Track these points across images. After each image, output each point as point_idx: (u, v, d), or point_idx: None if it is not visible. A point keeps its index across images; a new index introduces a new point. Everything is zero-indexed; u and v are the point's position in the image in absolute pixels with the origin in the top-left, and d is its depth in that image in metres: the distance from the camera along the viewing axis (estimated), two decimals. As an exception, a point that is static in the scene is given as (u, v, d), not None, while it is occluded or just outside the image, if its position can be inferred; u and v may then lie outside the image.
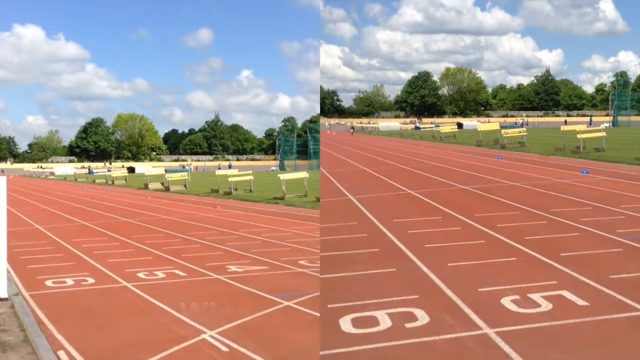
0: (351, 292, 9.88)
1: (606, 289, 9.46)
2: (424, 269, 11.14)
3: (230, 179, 41.08)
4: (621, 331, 7.85)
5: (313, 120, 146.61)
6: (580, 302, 8.92)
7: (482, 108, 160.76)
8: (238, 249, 17.13)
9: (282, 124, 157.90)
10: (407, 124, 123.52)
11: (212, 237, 19.77)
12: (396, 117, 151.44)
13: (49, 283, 12.97)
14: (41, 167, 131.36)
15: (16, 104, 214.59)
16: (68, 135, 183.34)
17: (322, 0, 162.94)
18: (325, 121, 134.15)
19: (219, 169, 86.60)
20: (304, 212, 26.91)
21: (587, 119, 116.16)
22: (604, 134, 39.14)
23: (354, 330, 8.15)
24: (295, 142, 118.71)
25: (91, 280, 13.23)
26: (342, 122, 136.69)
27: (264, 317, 10.05)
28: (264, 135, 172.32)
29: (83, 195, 46.75)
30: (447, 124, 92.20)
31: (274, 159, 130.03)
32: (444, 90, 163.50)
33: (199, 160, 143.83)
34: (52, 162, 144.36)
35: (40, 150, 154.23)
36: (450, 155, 41.25)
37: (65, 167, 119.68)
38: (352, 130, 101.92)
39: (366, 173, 31.05)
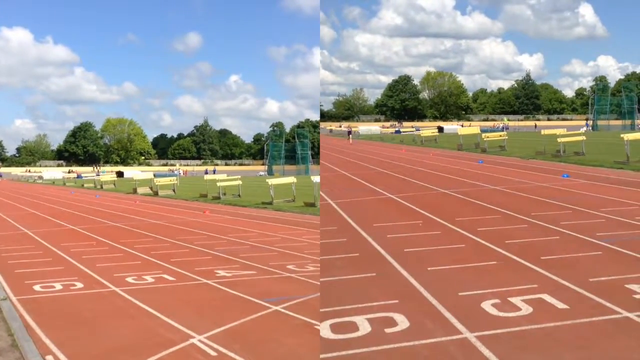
0: (330, 297, 9.80)
1: (586, 292, 9.45)
2: (404, 273, 11.08)
3: (218, 184, 41.04)
4: (601, 334, 7.83)
5: (301, 126, 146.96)
6: (561, 305, 8.91)
7: (463, 112, 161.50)
8: (227, 254, 17.11)
9: (271, 129, 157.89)
10: (387, 127, 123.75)
11: (200, 242, 19.71)
12: (376, 121, 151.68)
13: (37, 287, 12.88)
14: (29, 171, 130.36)
15: (4, 107, 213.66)
16: (56, 139, 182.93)
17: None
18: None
19: (206, 173, 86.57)
20: (292, 217, 26.92)
21: (565, 122, 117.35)
22: (584, 137, 39.37)
23: (332, 336, 8.07)
24: (283, 147, 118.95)
25: (80, 285, 13.17)
26: (322, 126, 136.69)
27: (253, 321, 10.03)
28: (253, 140, 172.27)
29: (71, 200, 46.50)
30: (427, 128, 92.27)
31: (262, 164, 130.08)
32: (425, 94, 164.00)
33: (187, 165, 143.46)
34: (40, 166, 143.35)
35: (29, 154, 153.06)
36: (431, 159, 41.33)
37: (54, 171, 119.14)
38: (349, 135, 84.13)
39: (346, 177, 30.99)
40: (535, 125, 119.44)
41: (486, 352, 7.33)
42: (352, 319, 8.61)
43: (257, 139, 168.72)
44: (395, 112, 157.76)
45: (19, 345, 8.93)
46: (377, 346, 7.66)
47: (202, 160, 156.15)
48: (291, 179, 36.01)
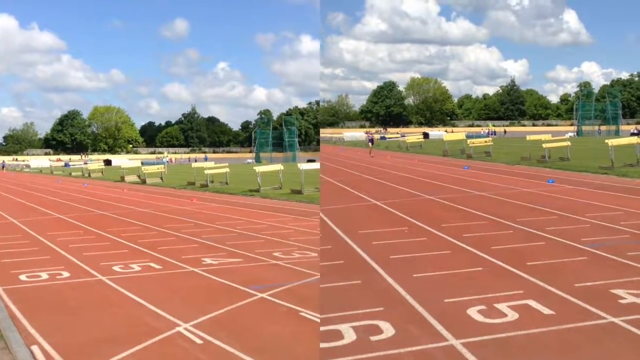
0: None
1: (571, 298, 9.44)
2: (390, 280, 11.03)
3: (206, 172, 41.37)
4: (586, 339, 7.82)
5: (289, 113, 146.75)
6: (546, 311, 8.89)
7: (448, 118, 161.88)
8: (213, 242, 17.24)
9: (258, 116, 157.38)
10: (372, 133, 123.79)
11: (187, 230, 19.85)
12: (361, 127, 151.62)
13: (23, 277, 12.89)
14: (16, 159, 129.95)
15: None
16: (43, 128, 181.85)
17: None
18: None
19: (195, 161, 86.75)
20: (279, 204, 27.16)
21: (550, 128, 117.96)
22: (569, 143, 39.58)
23: (318, 344, 8.01)
24: (270, 134, 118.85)
25: (66, 274, 13.19)
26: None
27: (239, 309, 10.10)
28: (240, 127, 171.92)
29: (59, 188, 46.59)
30: (413, 134, 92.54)
31: (250, 152, 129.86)
32: (410, 100, 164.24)
33: (175, 153, 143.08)
34: (27, 154, 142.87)
35: (15, 143, 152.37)
36: (417, 165, 41.37)
37: (41, 160, 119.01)
38: (370, 144, 63.23)
39: (331, 184, 30.93)
40: (505, 131, 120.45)
41: (472, 358, 7.30)
42: (337, 327, 8.54)
43: (245, 126, 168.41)
44: (380, 119, 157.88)
45: (3, 335, 8.94)
46: (363, 354, 7.60)
47: (190, 148, 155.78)
48: (278, 167, 36.35)
